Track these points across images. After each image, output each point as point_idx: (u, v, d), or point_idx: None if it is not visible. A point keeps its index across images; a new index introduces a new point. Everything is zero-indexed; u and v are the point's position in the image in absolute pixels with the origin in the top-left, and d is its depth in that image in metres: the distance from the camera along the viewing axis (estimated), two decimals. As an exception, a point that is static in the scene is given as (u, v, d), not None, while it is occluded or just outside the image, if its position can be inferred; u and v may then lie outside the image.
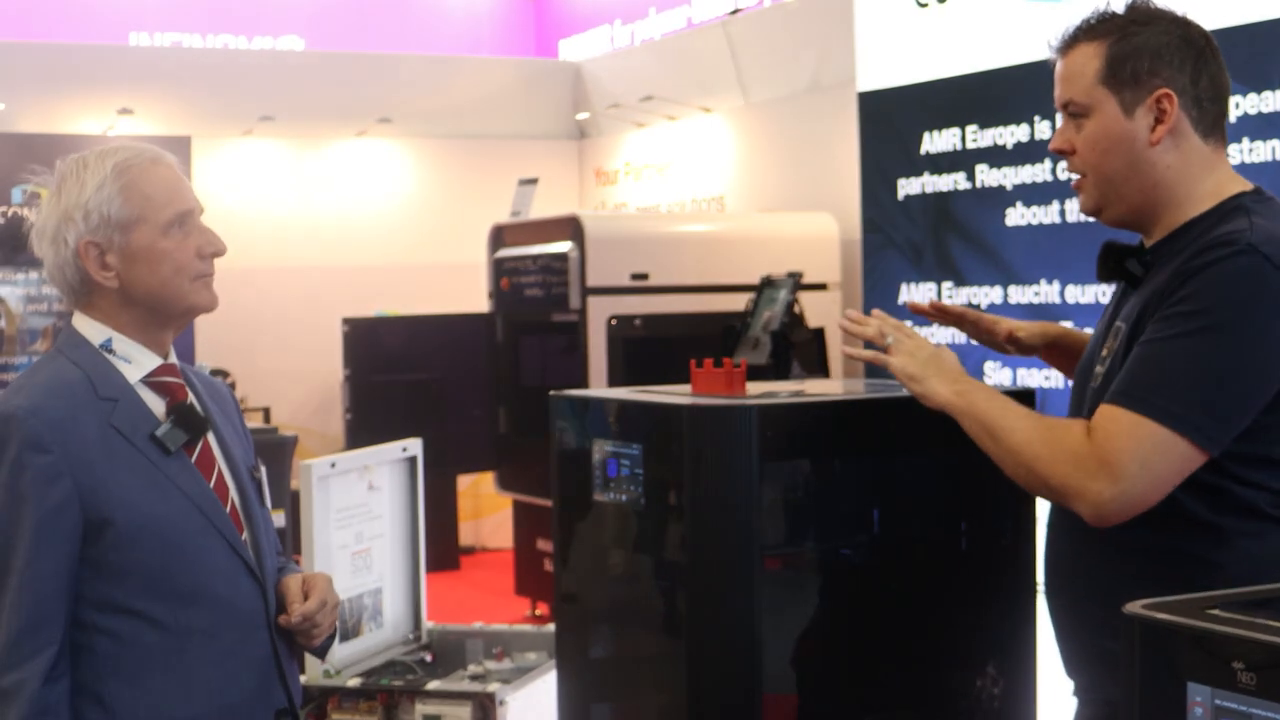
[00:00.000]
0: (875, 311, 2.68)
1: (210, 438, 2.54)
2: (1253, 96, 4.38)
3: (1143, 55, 2.38)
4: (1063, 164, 4.79)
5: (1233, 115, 3.66)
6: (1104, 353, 2.44)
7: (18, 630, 2.35)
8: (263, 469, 2.67)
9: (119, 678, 2.42)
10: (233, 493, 2.55)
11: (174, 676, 2.44)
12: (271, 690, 2.56)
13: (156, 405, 2.50)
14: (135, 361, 2.49)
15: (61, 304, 9.07)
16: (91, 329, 2.49)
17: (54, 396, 2.40)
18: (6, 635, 2.36)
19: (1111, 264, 2.48)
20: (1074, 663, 2.50)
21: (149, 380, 2.50)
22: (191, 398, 2.55)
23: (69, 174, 2.47)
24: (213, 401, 2.61)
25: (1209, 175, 2.42)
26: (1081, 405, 2.49)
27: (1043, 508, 2.59)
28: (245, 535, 2.54)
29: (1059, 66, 2.48)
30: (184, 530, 2.44)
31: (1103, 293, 4.67)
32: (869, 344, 2.62)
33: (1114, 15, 2.44)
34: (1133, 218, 2.46)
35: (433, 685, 4.35)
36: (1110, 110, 2.40)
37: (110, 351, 2.48)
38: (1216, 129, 2.43)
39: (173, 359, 2.56)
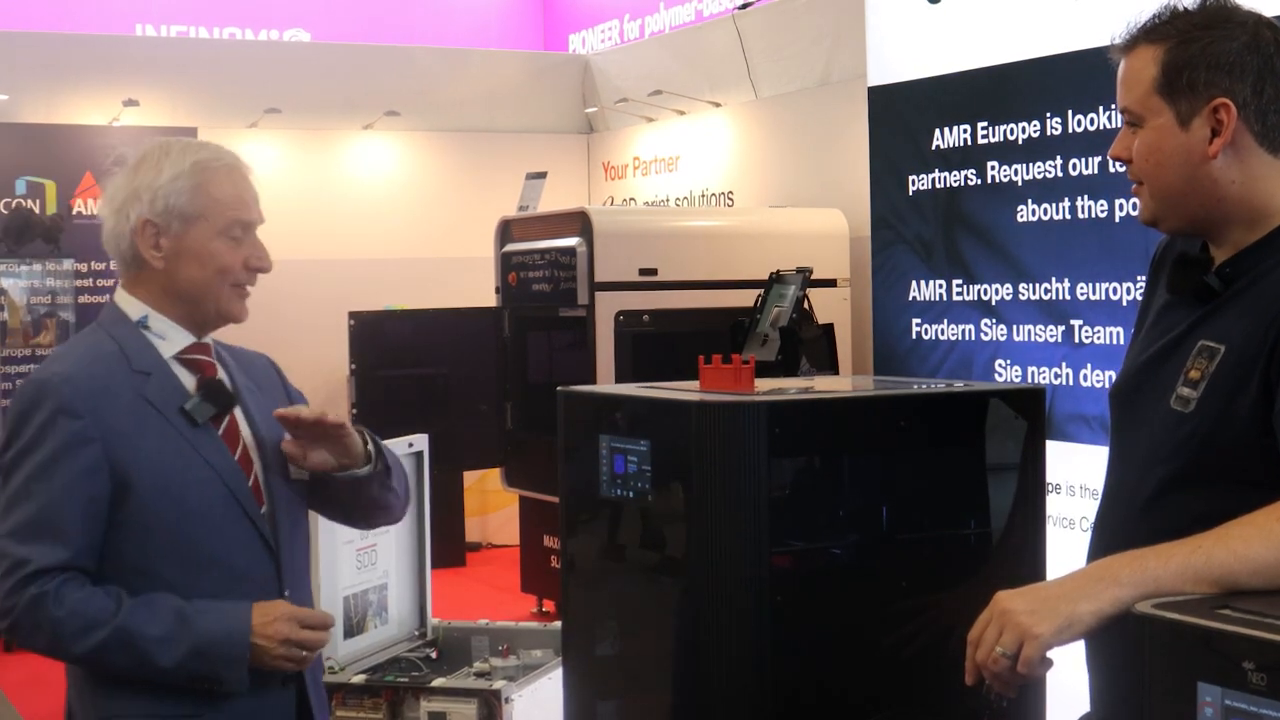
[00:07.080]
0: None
1: (238, 412, 2.67)
2: None
3: (1199, 64, 2.20)
4: (1074, 160, 4.77)
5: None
6: (1192, 374, 2.20)
7: (21, 523, 2.50)
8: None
9: None
10: (257, 467, 2.66)
11: None
12: None
13: (189, 380, 2.64)
14: (169, 338, 2.64)
15: (65, 297, 9.09)
16: (131, 305, 2.64)
17: (89, 366, 2.57)
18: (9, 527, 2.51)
19: (1194, 278, 2.26)
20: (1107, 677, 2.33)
21: (181, 356, 2.64)
22: (221, 374, 2.68)
23: (151, 156, 2.64)
24: (247, 378, 2.75)
25: None
26: (1138, 424, 2.29)
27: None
28: (265, 509, 2.65)
29: (1120, 68, 2.30)
30: (205, 499, 2.57)
31: (1113, 290, 4.64)
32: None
33: (1178, 16, 2.26)
34: (1194, 229, 2.30)
35: (438, 682, 4.35)
36: (1165, 121, 2.23)
37: (146, 328, 2.62)
38: None
39: (207, 339, 2.70)
